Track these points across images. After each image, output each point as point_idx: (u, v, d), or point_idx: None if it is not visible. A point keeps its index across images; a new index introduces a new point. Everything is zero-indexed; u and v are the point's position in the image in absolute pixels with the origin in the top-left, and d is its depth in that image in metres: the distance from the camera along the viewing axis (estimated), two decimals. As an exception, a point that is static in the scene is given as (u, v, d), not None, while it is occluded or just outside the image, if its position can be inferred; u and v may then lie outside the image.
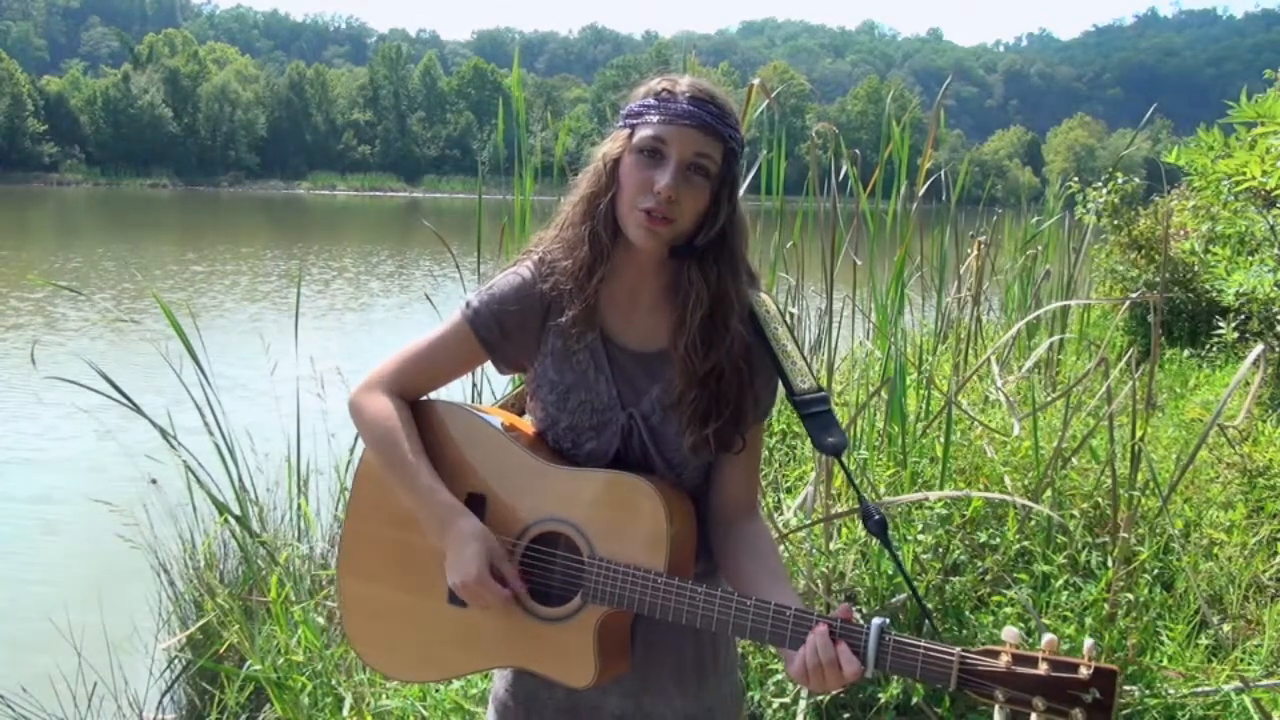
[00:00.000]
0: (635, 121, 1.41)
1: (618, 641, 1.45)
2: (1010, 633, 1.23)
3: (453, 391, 1.80)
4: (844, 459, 1.54)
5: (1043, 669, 1.19)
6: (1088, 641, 1.21)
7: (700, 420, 1.44)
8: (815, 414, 1.48)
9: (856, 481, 3.16)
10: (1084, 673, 1.18)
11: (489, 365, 1.57)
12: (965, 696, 1.23)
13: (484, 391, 3.62)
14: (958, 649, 1.23)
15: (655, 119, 1.39)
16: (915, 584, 2.86)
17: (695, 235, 1.43)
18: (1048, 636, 1.21)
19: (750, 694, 2.66)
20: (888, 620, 1.28)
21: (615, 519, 1.41)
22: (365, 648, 1.58)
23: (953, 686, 1.22)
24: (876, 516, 1.46)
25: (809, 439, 1.53)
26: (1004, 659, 1.21)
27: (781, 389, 1.52)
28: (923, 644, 1.24)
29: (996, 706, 1.22)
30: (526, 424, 1.58)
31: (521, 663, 1.47)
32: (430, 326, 1.56)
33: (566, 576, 1.43)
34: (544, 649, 1.43)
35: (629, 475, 1.42)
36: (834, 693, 2.61)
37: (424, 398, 1.57)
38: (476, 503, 1.48)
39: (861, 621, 1.28)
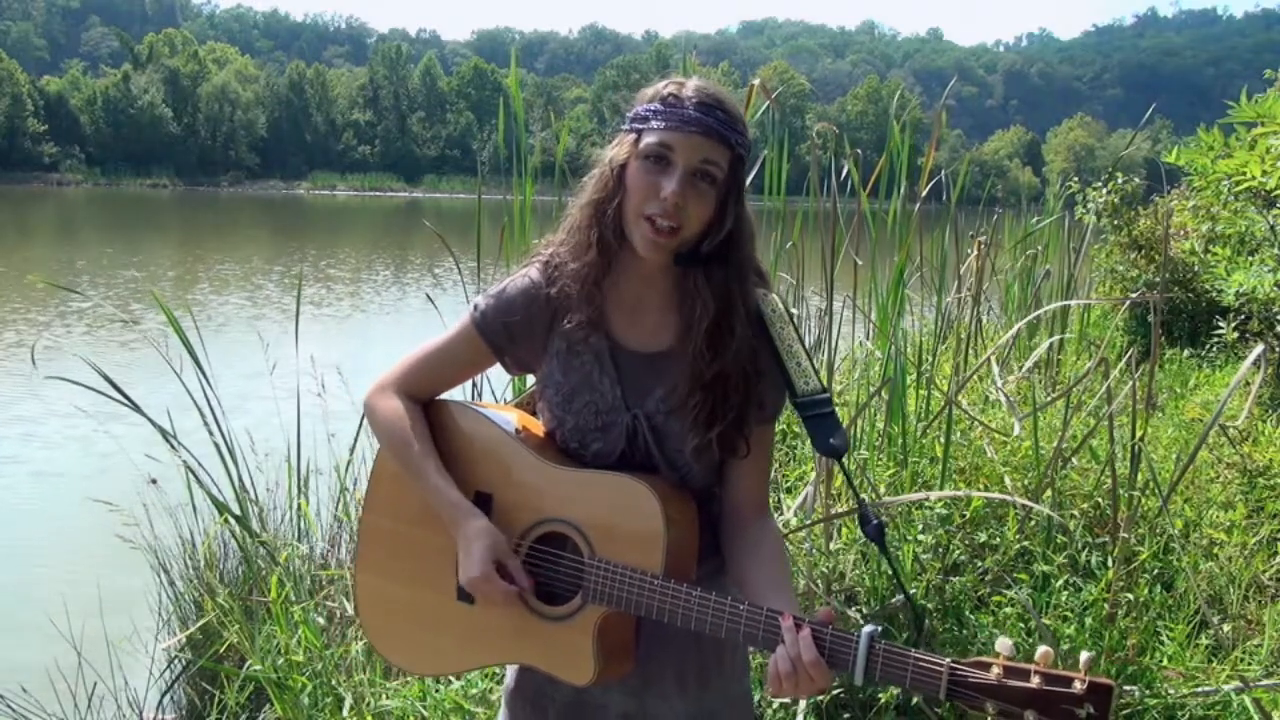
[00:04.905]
0: (641, 126, 1.40)
1: (619, 642, 1.46)
2: (1004, 644, 1.21)
3: (453, 391, 1.80)
4: (844, 461, 1.53)
5: (1035, 682, 1.17)
6: (1084, 655, 1.18)
7: (705, 424, 1.44)
8: (817, 415, 1.47)
9: (857, 483, 3.17)
10: (1078, 687, 1.15)
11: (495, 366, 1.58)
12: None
13: (484, 391, 3.62)
14: (947, 660, 1.21)
15: (661, 125, 1.37)
16: (914, 586, 2.86)
17: (701, 242, 1.42)
18: (1041, 649, 1.19)
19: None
20: (878, 628, 1.26)
21: (615, 521, 1.42)
22: (380, 641, 1.62)
23: (942, 697, 1.20)
24: (875, 522, 1.45)
25: (809, 440, 1.53)
26: (995, 671, 1.19)
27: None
28: (912, 653, 1.22)
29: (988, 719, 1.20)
30: (539, 424, 1.58)
31: (526, 659, 1.49)
32: (430, 326, 1.57)
33: (569, 576, 1.44)
34: (547, 647, 1.45)
35: (629, 477, 1.42)
36: (833, 692, 2.61)
37: (437, 397, 1.59)
38: (483, 501, 1.49)
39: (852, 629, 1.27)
